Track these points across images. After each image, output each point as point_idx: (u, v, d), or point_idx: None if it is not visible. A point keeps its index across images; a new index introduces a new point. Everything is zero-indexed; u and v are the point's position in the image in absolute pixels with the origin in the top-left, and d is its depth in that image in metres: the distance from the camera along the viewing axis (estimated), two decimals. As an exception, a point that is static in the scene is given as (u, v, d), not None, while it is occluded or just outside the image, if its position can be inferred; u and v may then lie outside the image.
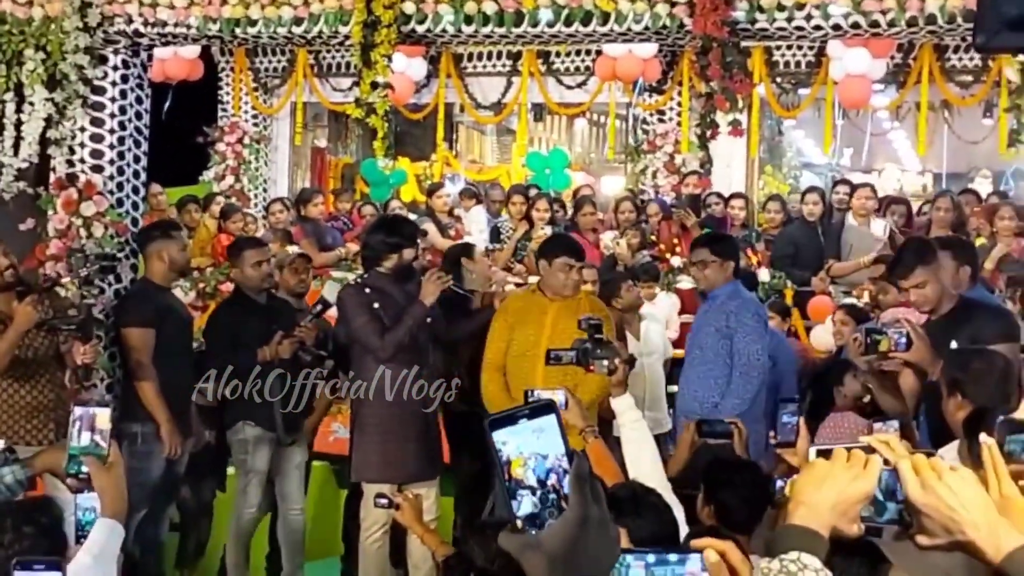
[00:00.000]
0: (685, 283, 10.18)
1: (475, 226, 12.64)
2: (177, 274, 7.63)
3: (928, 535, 1.98)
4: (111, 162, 9.09)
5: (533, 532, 1.71)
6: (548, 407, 1.73)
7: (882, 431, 4.49)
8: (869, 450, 2.08)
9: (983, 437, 2.07)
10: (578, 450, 1.73)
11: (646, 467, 4.23)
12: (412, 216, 10.75)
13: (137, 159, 9.34)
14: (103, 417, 3.20)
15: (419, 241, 7.10)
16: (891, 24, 8.75)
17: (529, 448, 1.72)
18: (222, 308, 7.79)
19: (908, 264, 5.76)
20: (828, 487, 1.97)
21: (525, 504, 1.71)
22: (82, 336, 6.76)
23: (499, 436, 1.73)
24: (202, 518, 7.84)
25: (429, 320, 6.78)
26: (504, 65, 14.19)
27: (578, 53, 13.73)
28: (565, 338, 5.59)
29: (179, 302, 7.87)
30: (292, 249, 10.27)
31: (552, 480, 1.71)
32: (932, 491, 1.96)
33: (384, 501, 5.52)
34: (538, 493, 1.71)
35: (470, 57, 14.23)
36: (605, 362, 4.53)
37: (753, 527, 3.78)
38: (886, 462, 2.05)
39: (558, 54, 13.84)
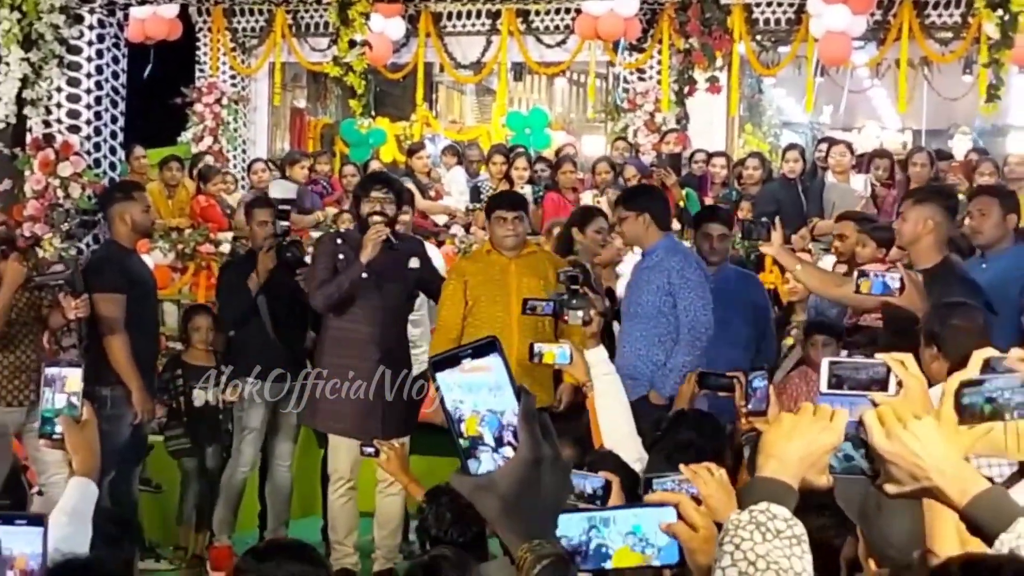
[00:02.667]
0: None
1: (455, 186, 12.61)
2: (141, 235, 7.54)
3: (894, 483, 2.01)
4: (88, 122, 9.06)
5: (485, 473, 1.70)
6: (490, 345, 1.71)
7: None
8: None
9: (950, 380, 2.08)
10: (525, 387, 1.71)
11: (618, 419, 4.25)
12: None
13: (114, 119, 9.31)
14: (75, 378, 3.19)
15: (377, 194, 6.82)
16: (871, -21, 8.78)
17: (484, 405, 1.71)
18: (232, 267, 7.86)
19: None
20: (796, 439, 1.99)
21: (485, 462, 1.71)
22: (72, 290, 6.70)
23: (455, 394, 1.71)
24: (196, 483, 7.74)
25: (364, 276, 6.69)
26: (483, 24, 14.12)
27: (557, 12, 13.66)
28: (532, 296, 5.55)
29: (145, 266, 7.80)
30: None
31: (508, 436, 1.70)
32: (897, 439, 1.98)
33: (370, 450, 5.52)
34: (500, 450, 1.70)
35: (449, 16, 14.16)
36: (580, 313, 4.54)
37: None
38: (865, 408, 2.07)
39: (537, 13, 13.77)
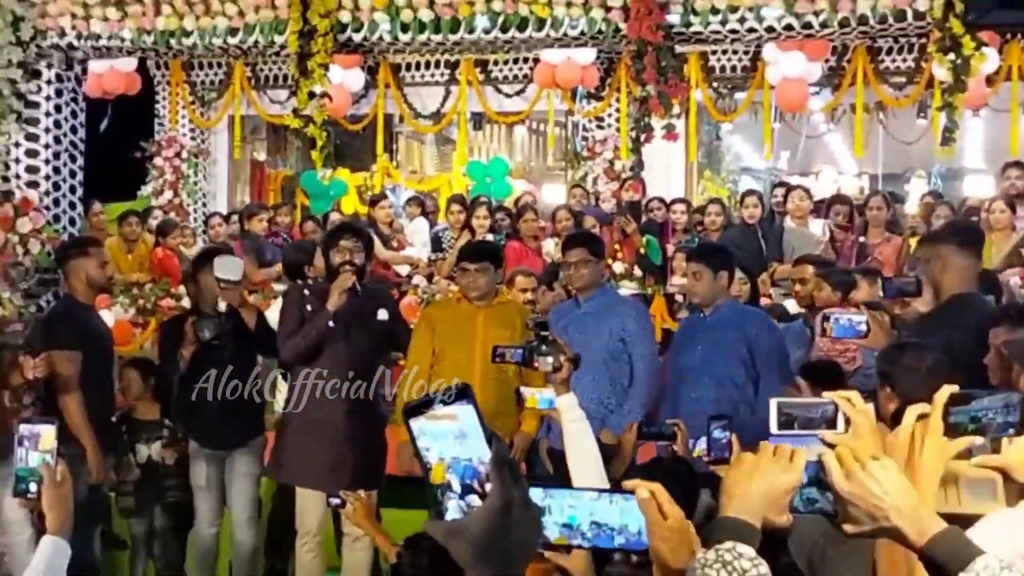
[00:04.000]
0: (626, 288, 10.21)
1: (418, 237, 12.63)
2: (97, 291, 7.45)
3: (854, 523, 2.05)
4: (47, 177, 9.04)
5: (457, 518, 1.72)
6: (462, 393, 1.73)
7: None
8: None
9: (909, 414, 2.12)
10: (497, 434, 1.74)
11: (589, 466, 4.24)
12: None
13: (73, 174, 9.29)
14: (49, 435, 3.16)
15: (346, 243, 6.77)
16: (823, 25, 8.88)
17: (451, 452, 1.72)
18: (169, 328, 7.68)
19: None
20: (757, 480, 2.04)
21: (452, 509, 1.72)
22: (31, 350, 6.62)
23: (423, 442, 1.73)
24: (151, 544, 7.58)
25: (331, 324, 6.62)
26: (442, 74, 14.20)
27: (516, 61, 13.76)
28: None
29: (102, 322, 7.69)
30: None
31: (476, 483, 1.72)
32: (856, 480, 2.03)
33: (336, 501, 5.49)
34: (466, 498, 1.72)
35: (408, 67, 14.23)
36: (550, 359, 4.51)
37: None
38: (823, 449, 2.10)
39: (496, 62, 13.86)
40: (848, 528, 2.06)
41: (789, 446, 2.08)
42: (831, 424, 2.20)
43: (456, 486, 1.72)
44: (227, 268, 7.01)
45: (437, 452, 1.72)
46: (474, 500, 1.70)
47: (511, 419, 6.51)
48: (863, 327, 5.27)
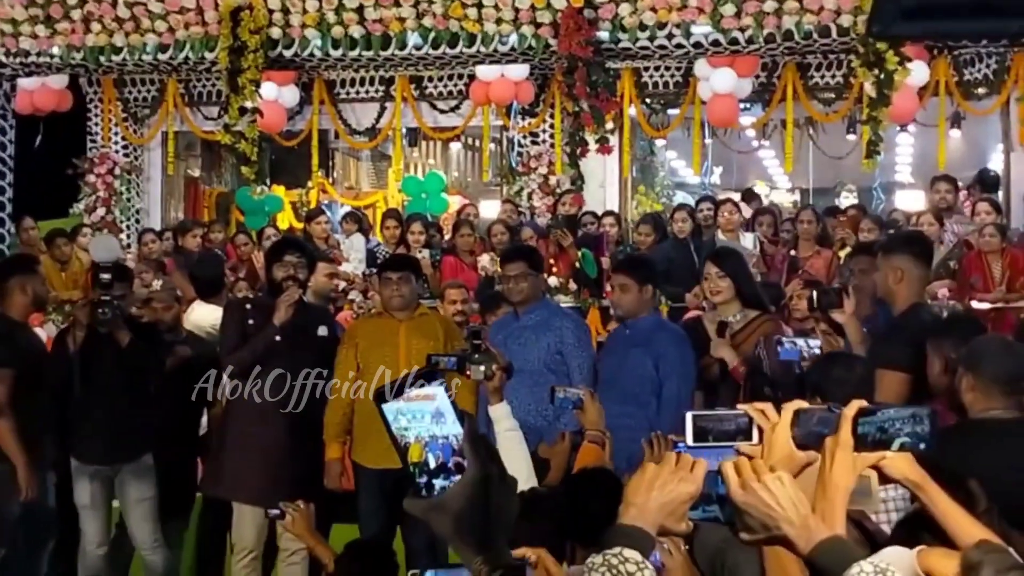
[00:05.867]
0: (562, 302, 10.27)
1: (354, 253, 12.63)
2: (36, 308, 7.37)
3: (749, 531, 2.16)
4: (-25, 194, 8.97)
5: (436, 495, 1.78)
6: (431, 374, 1.79)
7: None
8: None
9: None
10: (468, 412, 1.80)
11: (521, 473, 4.28)
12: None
13: (2, 191, 9.23)
14: None
15: (290, 259, 6.85)
16: (750, 41, 9.00)
17: (428, 431, 1.78)
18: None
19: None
20: (656, 489, 2.13)
21: (428, 486, 1.79)
22: None
23: (399, 423, 1.79)
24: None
25: (277, 339, 6.64)
26: (377, 91, 14.17)
27: (451, 77, 13.78)
28: (421, 358, 5.53)
29: (37, 338, 7.61)
30: (156, 283, 9.73)
31: (453, 461, 1.79)
32: (751, 491, 2.13)
33: (276, 512, 5.49)
34: (445, 476, 1.78)
35: (343, 83, 14.20)
36: (483, 368, 4.56)
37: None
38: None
39: (430, 79, 13.87)
40: (744, 536, 2.17)
41: (690, 456, 2.16)
42: (746, 435, 2.25)
43: (432, 464, 1.77)
44: (102, 249, 6.84)
45: (415, 432, 1.78)
46: (455, 477, 1.77)
47: None
48: (817, 352, 5.38)
